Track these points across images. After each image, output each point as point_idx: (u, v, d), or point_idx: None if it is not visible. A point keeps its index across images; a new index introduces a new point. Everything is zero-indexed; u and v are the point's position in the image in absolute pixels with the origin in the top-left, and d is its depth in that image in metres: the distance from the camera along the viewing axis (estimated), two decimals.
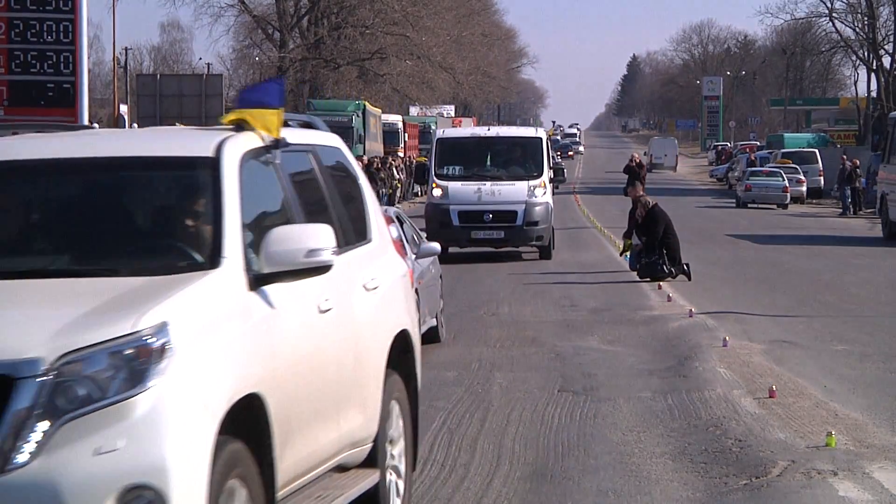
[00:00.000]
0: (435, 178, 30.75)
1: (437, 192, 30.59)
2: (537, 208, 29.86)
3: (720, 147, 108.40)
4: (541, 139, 32.10)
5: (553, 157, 37.47)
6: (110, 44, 72.63)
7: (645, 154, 64.52)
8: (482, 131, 35.35)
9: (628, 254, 26.59)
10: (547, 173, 30.99)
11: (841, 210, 55.62)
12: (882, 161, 42.04)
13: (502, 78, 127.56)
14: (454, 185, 30.32)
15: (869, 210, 52.70)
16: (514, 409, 13.17)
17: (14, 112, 25.76)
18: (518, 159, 31.54)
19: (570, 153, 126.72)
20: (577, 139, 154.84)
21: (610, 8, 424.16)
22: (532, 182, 30.29)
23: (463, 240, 30.11)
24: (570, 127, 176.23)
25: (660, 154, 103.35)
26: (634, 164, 49.56)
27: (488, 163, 31.47)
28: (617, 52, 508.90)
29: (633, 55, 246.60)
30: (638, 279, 25.23)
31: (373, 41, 77.32)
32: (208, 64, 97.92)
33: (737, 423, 12.26)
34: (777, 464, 10.66)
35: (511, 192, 29.98)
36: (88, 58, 26.68)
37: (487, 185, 30.21)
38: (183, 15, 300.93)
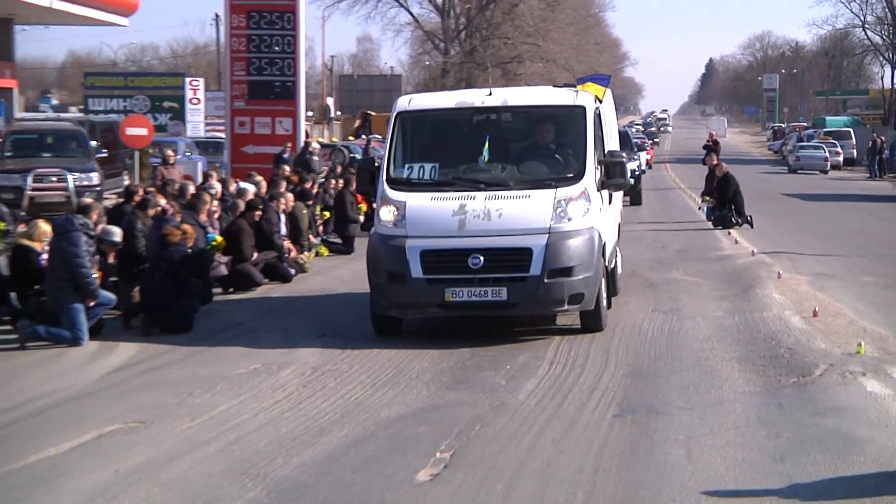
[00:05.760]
0: (386, 188, 12.45)
1: (386, 214, 12.26)
2: (572, 243, 11.90)
3: (776, 127, 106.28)
4: (583, 110, 12.84)
5: (608, 147, 13.95)
6: (320, 52, 73.30)
7: (706, 128, 63.90)
8: (476, 98, 13.27)
9: (705, 207, 26.23)
10: (594, 173, 12.45)
11: (869, 175, 54.21)
12: None
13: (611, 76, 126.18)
14: (417, 200, 12.19)
15: (892, 175, 51.91)
16: (619, 324, 13.11)
17: (252, 103, 26.30)
18: (541, 148, 12.95)
19: (657, 140, 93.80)
20: (667, 122, 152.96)
21: (692, 21, 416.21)
22: (563, 191, 12.10)
23: (429, 304, 11.92)
24: (662, 112, 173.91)
25: (714, 129, 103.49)
26: (711, 142, 48.39)
27: (486, 155, 12.55)
28: (697, 55, 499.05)
29: (710, 58, 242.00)
30: (712, 227, 24.89)
31: (512, 49, 77.06)
32: (391, 67, 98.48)
33: (787, 336, 12.09)
34: (819, 366, 10.52)
35: (522, 211, 11.95)
36: (304, 63, 27.03)
37: (478, 200, 12.04)
38: (373, 30, 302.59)
